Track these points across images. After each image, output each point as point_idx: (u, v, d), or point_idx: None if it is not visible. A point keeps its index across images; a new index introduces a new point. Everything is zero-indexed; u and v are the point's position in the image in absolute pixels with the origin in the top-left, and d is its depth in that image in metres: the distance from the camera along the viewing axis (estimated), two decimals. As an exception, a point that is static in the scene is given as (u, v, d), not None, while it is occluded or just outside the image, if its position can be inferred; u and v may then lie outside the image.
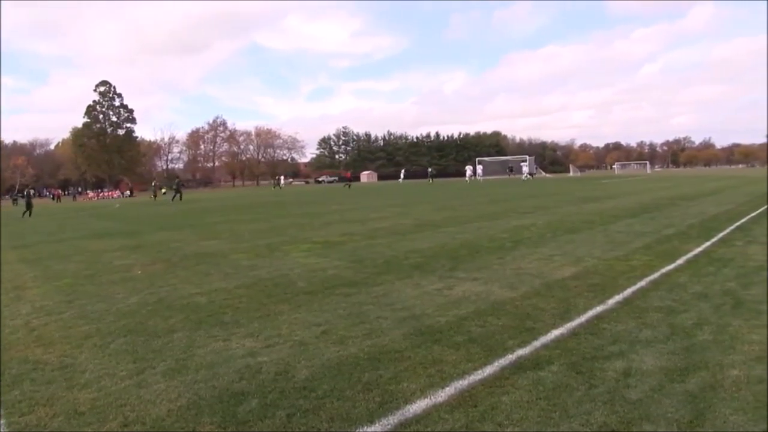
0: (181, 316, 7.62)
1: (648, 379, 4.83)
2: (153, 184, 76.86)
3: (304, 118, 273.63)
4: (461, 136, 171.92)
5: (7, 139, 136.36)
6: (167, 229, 21.59)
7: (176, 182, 63.67)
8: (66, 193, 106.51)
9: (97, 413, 4.65)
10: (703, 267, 9.57)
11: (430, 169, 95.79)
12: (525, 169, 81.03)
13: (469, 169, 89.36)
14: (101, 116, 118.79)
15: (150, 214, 32.22)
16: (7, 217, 38.68)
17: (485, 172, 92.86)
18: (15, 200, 76.02)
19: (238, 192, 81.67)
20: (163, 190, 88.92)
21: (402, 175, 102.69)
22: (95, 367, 5.78)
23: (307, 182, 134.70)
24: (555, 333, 6.18)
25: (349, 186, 76.92)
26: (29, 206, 38.04)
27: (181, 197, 55.51)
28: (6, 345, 6.71)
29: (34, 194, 49.06)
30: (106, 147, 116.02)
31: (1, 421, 4.60)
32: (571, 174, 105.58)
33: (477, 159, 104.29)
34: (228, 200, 48.79)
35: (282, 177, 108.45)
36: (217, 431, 4.26)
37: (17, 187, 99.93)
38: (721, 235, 13.39)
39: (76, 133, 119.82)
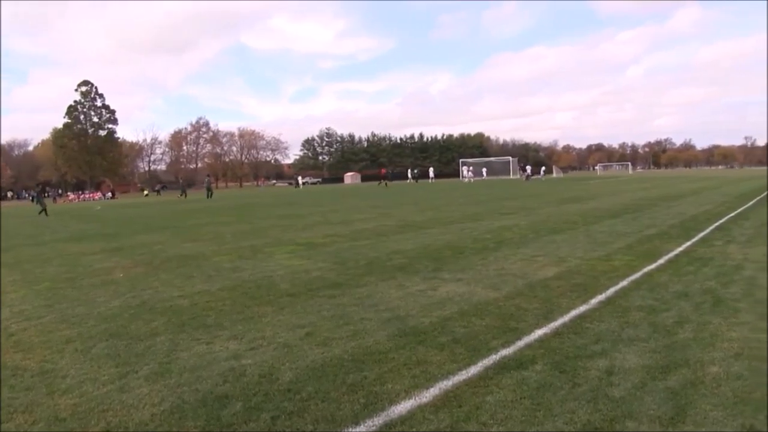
0: (163, 320, 7.59)
1: (630, 377, 4.87)
2: (180, 181, 77.40)
3: (288, 120, 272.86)
4: (444, 137, 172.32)
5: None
6: (149, 231, 21.48)
7: (207, 180, 64.42)
8: (46, 195, 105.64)
9: (78, 419, 4.62)
10: (684, 266, 9.65)
11: (415, 170, 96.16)
12: (543, 169, 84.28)
13: (465, 169, 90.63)
14: (82, 117, 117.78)
15: (131, 217, 32.02)
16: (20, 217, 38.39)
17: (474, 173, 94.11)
18: None
19: (222, 193, 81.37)
20: (145, 192, 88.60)
21: (416, 174, 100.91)
22: (76, 372, 5.74)
23: (290, 183, 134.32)
24: (538, 333, 6.21)
25: (386, 184, 76.16)
26: (43, 205, 38.48)
27: (211, 195, 56.62)
28: (-13, 349, 6.67)
29: (13, 196, 49.19)
30: (88, 148, 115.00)
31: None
32: (554, 175, 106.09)
33: (461, 160, 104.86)
34: (212, 201, 48.56)
35: (300, 177, 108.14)
36: (201, 434, 4.26)
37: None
38: (701, 235, 13.53)
39: (57, 134, 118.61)
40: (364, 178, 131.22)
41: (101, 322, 7.67)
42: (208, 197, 56.44)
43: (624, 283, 8.54)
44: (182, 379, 5.38)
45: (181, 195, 69.66)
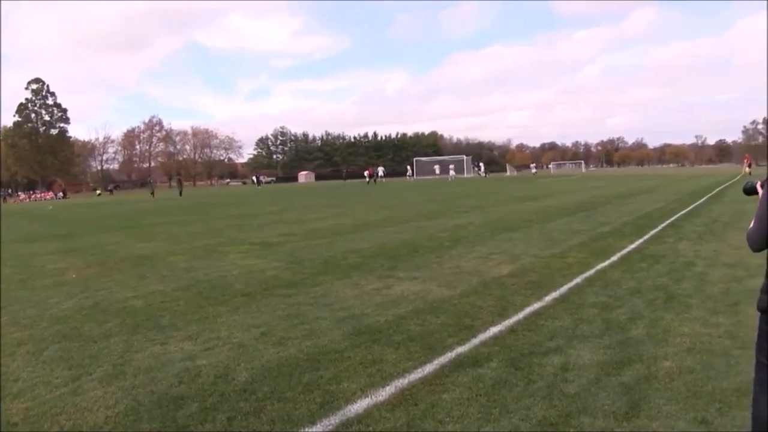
0: (117, 321, 7.48)
1: (585, 373, 4.92)
2: (150, 181, 77.20)
3: (243, 118, 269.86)
4: (399, 136, 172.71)
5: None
6: (102, 231, 21.18)
7: (177, 179, 63.97)
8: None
9: (30, 423, 4.52)
10: (636, 263, 9.80)
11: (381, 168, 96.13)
12: (533, 168, 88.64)
13: (451, 168, 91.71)
14: (33, 115, 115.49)
15: (84, 217, 31.53)
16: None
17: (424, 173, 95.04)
18: None
19: (175, 193, 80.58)
20: (98, 192, 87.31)
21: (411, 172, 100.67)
22: (28, 375, 5.63)
23: (244, 183, 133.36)
24: (493, 330, 6.25)
25: (375, 181, 76.02)
26: None
27: (181, 192, 56.39)
28: None
29: None
30: (39, 147, 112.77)
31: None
32: (507, 173, 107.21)
33: (414, 159, 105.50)
34: (167, 200, 48.01)
35: (262, 176, 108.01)
36: (155, 436, 4.20)
37: None
38: (653, 232, 13.76)
39: (6, 133, 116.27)
40: (318, 177, 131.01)
41: (54, 323, 7.54)
42: (180, 195, 56.04)
43: (578, 280, 8.65)
44: (137, 380, 5.31)
45: (151, 194, 69.04)
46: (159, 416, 4.48)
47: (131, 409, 4.65)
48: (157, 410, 4.60)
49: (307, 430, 4.14)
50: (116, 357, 6.02)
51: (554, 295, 7.75)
